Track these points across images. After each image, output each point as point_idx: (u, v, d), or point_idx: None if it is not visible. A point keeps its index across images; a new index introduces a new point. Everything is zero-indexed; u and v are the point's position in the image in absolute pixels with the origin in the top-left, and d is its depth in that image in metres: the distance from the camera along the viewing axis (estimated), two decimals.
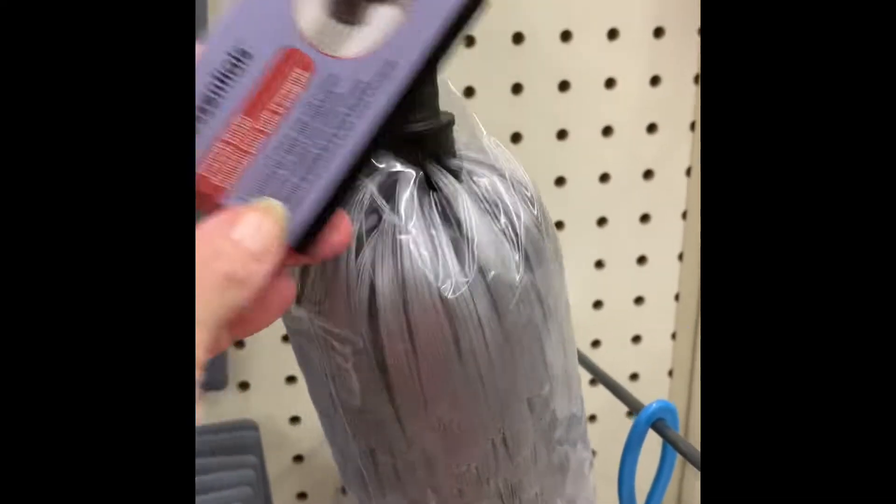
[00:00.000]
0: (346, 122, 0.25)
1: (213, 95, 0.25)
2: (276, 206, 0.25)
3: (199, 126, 0.24)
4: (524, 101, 0.53)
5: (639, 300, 0.61)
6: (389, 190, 0.28)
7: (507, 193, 0.28)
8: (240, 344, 0.54)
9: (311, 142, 0.25)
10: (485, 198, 0.28)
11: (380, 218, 0.28)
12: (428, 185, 0.29)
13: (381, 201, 0.27)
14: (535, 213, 0.29)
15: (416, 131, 0.29)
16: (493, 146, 0.30)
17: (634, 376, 0.64)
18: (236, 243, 0.23)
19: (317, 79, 0.25)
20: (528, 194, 0.29)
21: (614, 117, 0.55)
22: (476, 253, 0.27)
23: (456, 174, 0.29)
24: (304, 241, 0.25)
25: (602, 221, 0.58)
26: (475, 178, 0.29)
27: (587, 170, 0.56)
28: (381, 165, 0.28)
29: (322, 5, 0.26)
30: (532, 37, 0.51)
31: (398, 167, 0.28)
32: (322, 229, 0.25)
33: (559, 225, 0.57)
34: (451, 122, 0.30)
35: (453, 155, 0.31)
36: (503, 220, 0.28)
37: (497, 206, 0.28)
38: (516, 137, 0.54)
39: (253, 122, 0.25)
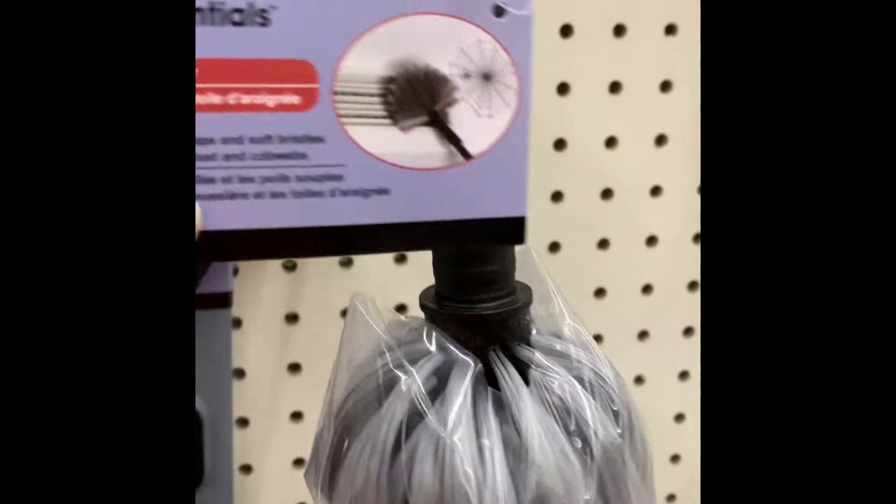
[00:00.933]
0: (283, 185, 0.23)
1: None
2: None
3: None
4: (564, 208, 0.50)
5: (679, 417, 0.57)
6: (441, 379, 0.24)
7: (585, 401, 0.23)
8: (246, 469, 0.50)
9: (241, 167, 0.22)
10: (554, 404, 0.23)
11: (422, 415, 0.23)
12: (487, 379, 0.24)
13: (423, 404, 0.23)
14: (619, 427, 0.23)
15: (481, 314, 0.25)
16: (574, 332, 0.26)
17: (671, 497, 0.59)
18: None
19: (301, 120, 0.23)
20: (613, 400, 0.24)
21: (658, 226, 0.51)
22: (535, 476, 0.22)
23: (523, 368, 0.25)
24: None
25: (643, 335, 0.54)
26: (546, 377, 0.24)
27: (628, 280, 0.53)
28: (432, 348, 0.24)
29: (382, 69, 0.23)
30: (574, 143, 0.48)
31: (454, 353, 0.24)
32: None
33: (597, 338, 0.53)
34: (526, 304, 0.26)
35: (525, 340, 0.26)
36: (575, 434, 0.23)
37: (569, 415, 0.23)
38: (554, 247, 0.50)
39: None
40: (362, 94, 0.23)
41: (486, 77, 0.24)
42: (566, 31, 0.47)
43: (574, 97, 0.49)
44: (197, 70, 0.21)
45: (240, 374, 0.47)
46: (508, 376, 0.24)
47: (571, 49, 0.47)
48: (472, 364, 0.24)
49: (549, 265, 0.28)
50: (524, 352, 0.25)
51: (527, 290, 0.28)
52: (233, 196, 0.22)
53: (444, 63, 0.23)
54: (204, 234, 0.22)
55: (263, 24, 0.22)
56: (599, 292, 0.53)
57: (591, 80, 0.48)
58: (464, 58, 0.24)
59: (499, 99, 0.24)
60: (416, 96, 0.23)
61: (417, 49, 0.23)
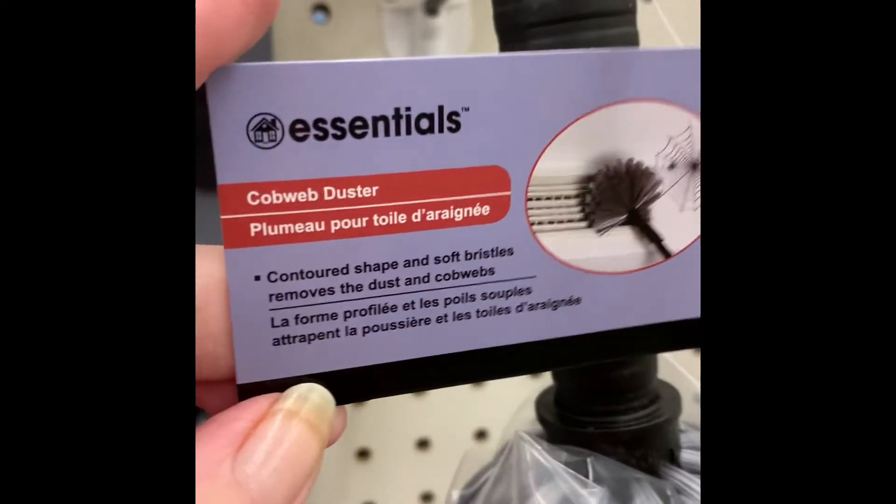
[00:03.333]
0: (468, 306, 0.20)
1: None
2: (317, 399, 0.18)
3: None
4: None
5: None
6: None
7: None
8: None
9: (417, 291, 0.19)
10: None
11: None
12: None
13: None
14: None
15: (640, 427, 0.23)
16: None
17: None
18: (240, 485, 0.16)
19: (492, 231, 0.19)
20: None
21: None
22: None
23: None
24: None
25: None
26: None
27: None
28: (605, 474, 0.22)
29: (581, 168, 0.20)
30: None
31: (628, 475, 0.21)
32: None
33: None
34: (678, 409, 0.24)
35: (680, 447, 0.24)
36: None
37: None
38: None
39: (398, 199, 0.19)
40: (558, 198, 0.20)
41: (695, 167, 0.21)
42: None
43: None
44: (380, 187, 0.18)
45: None
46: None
47: None
48: (662, 483, 0.21)
49: None
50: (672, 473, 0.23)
51: (671, 390, 0.25)
52: (414, 323, 0.19)
53: (649, 154, 0.20)
54: (377, 367, 0.19)
55: (454, 130, 0.18)
56: None
57: None
58: (671, 146, 0.20)
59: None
60: (616, 194, 0.20)
61: (620, 141, 0.20)
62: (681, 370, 0.25)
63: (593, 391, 0.23)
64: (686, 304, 0.22)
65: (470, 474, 0.24)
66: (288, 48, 0.41)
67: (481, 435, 0.50)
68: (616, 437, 0.23)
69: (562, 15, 0.21)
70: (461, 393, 0.42)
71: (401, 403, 0.45)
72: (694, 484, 0.22)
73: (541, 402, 0.25)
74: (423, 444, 0.47)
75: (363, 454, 0.46)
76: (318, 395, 0.19)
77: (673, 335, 0.22)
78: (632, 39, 0.22)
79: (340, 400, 0.19)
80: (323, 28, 0.42)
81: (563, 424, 0.24)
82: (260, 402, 0.18)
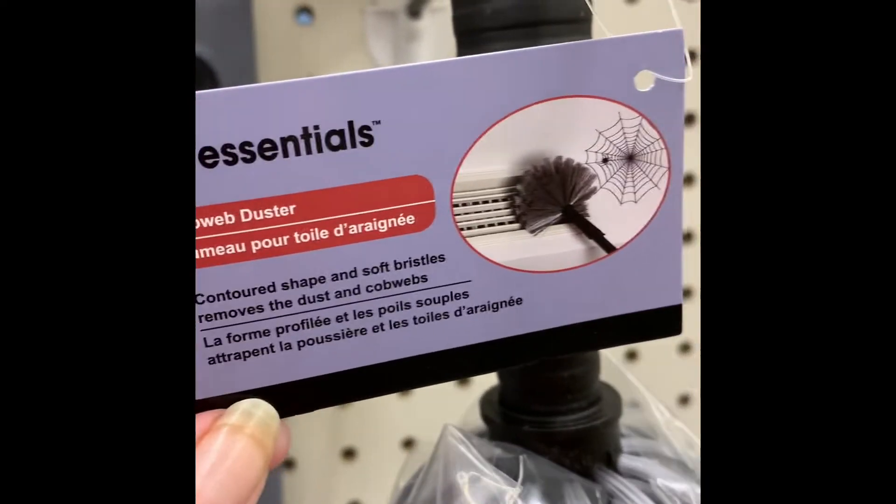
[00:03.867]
0: (404, 313, 0.20)
1: None
2: (261, 414, 0.19)
3: None
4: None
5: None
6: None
7: None
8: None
9: (351, 302, 0.20)
10: None
11: None
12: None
13: None
14: None
15: (576, 429, 0.23)
16: (672, 435, 0.23)
17: None
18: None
19: (419, 240, 0.20)
20: None
21: None
22: None
23: (641, 483, 0.22)
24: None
25: None
26: (671, 489, 0.21)
27: None
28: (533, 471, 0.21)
29: (508, 171, 0.21)
30: None
31: (560, 476, 0.21)
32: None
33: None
34: (618, 412, 0.23)
35: (620, 451, 0.24)
36: None
37: None
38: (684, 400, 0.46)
39: (320, 215, 0.19)
40: (485, 202, 0.19)
41: (630, 158, 0.20)
42: None
43: None
44: (297, 205, 0.18)
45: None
46: (633, 495, 0.21)
47: None
48: (592, 486, 0.21)
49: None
50: (629, 462, 0.22)
51: (609, 388, 0.25)
52: (349, 334, 0.20)
53: (578, 150, 0.20)
54: (317, 379, 0.20)
55: (367, 144, 0.18)
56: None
57: None
58: (602, 141, 0.20)
59: (645, 181, 0.20)
60: (547, 193, 0.20)
61: (545, 141, 0.19)
62: (626, 374, 0.25)
63: (533, 391, 0.23)
64: (634, 296, 0.21)
65: (418, 464, 0.25)
66: (271, 50, 0.42)
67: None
68: (551, 437, 0.23)
69: (514, 21, 0.21)
70: (446, 392, 0.42)
71: (386, 403, 0.46)
72: (629, 490, 0.22)
73: (486, 401, 0.25)
74: (408, 443, 0.48)
75: (349, 454, 0.47)
76: (262, 411, 0.19)
77: (622, 329, 0.21)
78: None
79: (283, 413, 0.20)
80: (307, 29, 0.42)
81: (503, 422, 0.24)
82: (204, 418, 0.19)
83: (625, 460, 0.23)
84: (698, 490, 0.22)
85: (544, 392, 0.23)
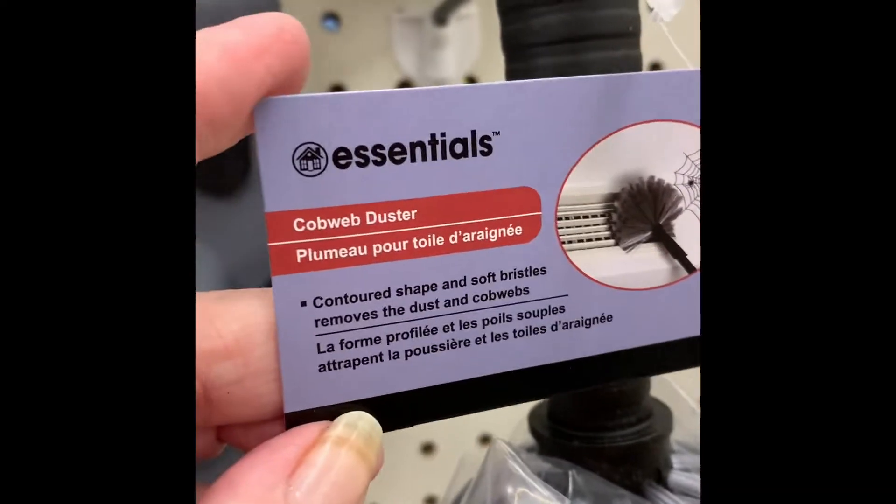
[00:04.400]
0: (505, 326, 0.20)
1: None
2: (365, 427, 0.18)
3: None
4: None
5: None
6: None
7: None
8: None
9: (455, 313, 0.20)
10: None
11: None
12: None
13: None
14: None
15: (626, 444, 0.23)
16: None
17: None
18: None
19: (525, 251, 0.20)
20: None
21: None
22: None
23: (691, 500, 0.22)
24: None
25: None
26: None
27: None
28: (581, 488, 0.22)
29: (607, 188, 0.21)
30: None
31: (610, 491, 0.22)
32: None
33: None
34: (669, 428, 0.24)
35: (670, 467, 0.24)
36: None
37: None
38: None
39: (432, 222, 0.19)
40: (586, 216, 0.20)
41: None
42: None
43: None
44: (418, 210, 0.19)
45: None
46: None
47: None
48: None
49: None
50: (680, 478, 0.23)
51: (661, 405, 0.25)
52: (454, 345, 0.20)
53: (668, 172, 0.21)
54: (420, 391, 0.20)
55: (486, 154, 0.19)
56: None
57: None
58: (689, 164, 0.21)
59: None
60: (640, 211, 0.21)
61: (640, 160, 0.21)
62: (677, 389, 0.26)
63: (583, 406, 0.23)
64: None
65: (466, 478, 0.24)
66: None
67: (486, 440, 0.49)
68: (601, 452, 0.23)
69: (563, 36, 0.22)
70: None
71: None
72: None
73: (534, 415, 0.25)
74: (427, 448, 0.47)
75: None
76: (366, 423, 0.19)
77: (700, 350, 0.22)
78: (634, 62, 0.23)
79: (386, 426, 0.19)
80: (333, 36, 0.42)
81: (553, 437, 0.24)
82: (310, 429, 0.18)
83: (675, 476, 0.24)
84: None
85: (594, 407, 0.23)
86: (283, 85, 0.17)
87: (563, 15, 0.22)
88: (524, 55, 0.23)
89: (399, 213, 0.19)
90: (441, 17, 0.42)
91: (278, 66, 0.17)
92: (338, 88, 0.45)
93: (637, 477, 0.23)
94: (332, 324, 0.19)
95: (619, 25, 0.22)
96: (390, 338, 0.19)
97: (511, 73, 0.24)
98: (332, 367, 0.19)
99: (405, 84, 0.46)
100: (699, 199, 0.22)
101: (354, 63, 0.43)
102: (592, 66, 0.22)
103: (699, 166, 0.21)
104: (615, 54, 0.22)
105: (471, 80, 0.48)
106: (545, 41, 0.22)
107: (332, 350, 0.19)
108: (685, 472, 0.24)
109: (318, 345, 0.19)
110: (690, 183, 0.21)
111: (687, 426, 0.25)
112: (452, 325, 0.20)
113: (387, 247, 0.19)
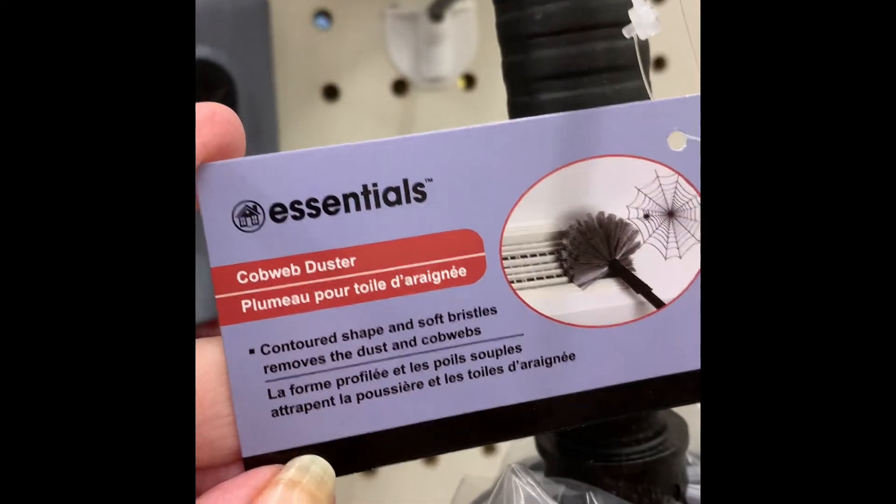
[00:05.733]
0: (459, 368, 0.21)
1: None
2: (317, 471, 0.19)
3: None
4: None
5: None
6: None
7: None
8: None
9: (407, 354, 0.20)
10: None
11: None
12: None
13: None
14: None
15: (644, 461, 0.22)
16: None
17: None
18: None
19: (471, 293, 0.21)
20: None
21: None
22: None
23: None
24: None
25: None
26: None
27: None
28: None
29: (553, 226, 0.21)
30: None
31: None
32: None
33: None
34: (685, 442, 0.23)
35: (687, 482, 0.23)
36: None
37: None
38: None
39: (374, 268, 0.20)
40: (533, 255, 0.21)
41: (670, 214, 0.21)
42: None
43: None
44: (357, 257, 0.20)
45: None
46: None
47: None
48: None
49: None
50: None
51: (679, 421, 0.24)
52: (406, 387, 0.20)
53: (620, 206, 0.21)
54: (373, 435, 0.20)
55: (420, 199, 0.20)
56: None
57: None
58: (641, 197, 0.21)
59: (687, 236, 0.21)
60: (593, 248, 0.21)
61: (588, 197, 0.21)
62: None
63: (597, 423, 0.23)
64: (684, 355, 0.21)
65: (467, 499, 0.24)
66: (289, 55, 0.40)
67: (489, 450, 0.48)
68: (618, 470, 0.22)
69: (565, 25, 0.21)
70: None
71: None
72: None
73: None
74: (430, 459, 0.46)
75: (370, 469, 0.45)
76: (318, 467, 0.19)
77: (677, 388, 0.21)
78: (643, 51, 0.22)
79: (343, 470, 0.20)
80: (325, 34, 0.41)
81: (563, 456, 0.23)
82: (263, 472, 0.19)
83: (692, 490, 0.22)
84: None
85: (609, 424, 0.22)
86: (220, 155, 0.19)
87: (566, 3, 0.21)
88: (522, 47, 0.22)
89: (338, 260, 0.20)
90: (436, 13, 0.40)
91: (213, 142, 0.19)
92: (330, 89, 0.44)
93: (656, 495, 0.22)
94: (280, 370, 0.20)
95: (623, 15, 0.20)
96: (340, 382, 0.20)
97: (508, 67, 0.23)
98: (284, 411, 0.20)
99: (400, 83, 0.45)
100: (661, 231, 0.21)
101: (347, 62, 0.42)
102: (595, 56, 0.21)
103: (655, 199, 0.21)
104: (620, 44, 0.21)
105: (469, 78, 0.46)
106: (544, 31, 0.21)
107: (284, 395, 0.20)
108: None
109: (269, 390, 0.20)
110: (646, 216, 0.21)
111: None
112: (403, 367, 0.20)
113: (328, 294, 0.20)
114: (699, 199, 0.21)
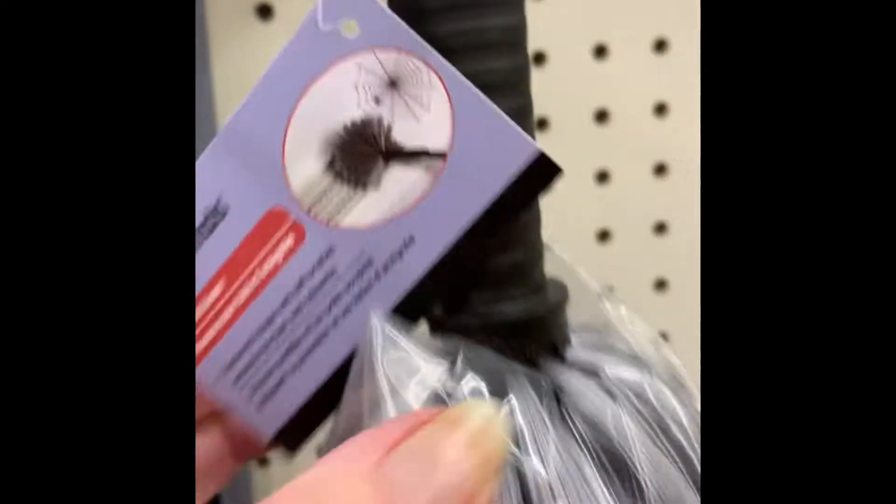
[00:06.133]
0: (339, 305, 0.23)
1: None
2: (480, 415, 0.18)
3: None
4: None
5: None
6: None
7: (677, 401, 0.19)
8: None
9: (299, 324, 0.24)
10: (643, 410, 0.19)
11: None
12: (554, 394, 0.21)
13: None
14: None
15: (518, 317, 0.23)
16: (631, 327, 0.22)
17: None
18: None
19: (307, 250, 0.23)
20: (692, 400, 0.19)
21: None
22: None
23: (590, 375, 0.21)
24: (291, 437, 0.24)
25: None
26: (622, 380, 0.20)
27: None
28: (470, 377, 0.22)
29: (321, 161, 0.23)
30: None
31: (503, 367, 0.21)
32: (313, 427, 0.24)
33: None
34: (564, 299, 0.23)
35: (569, 343, 0.23)
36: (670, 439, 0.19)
37: (662, 419, 0.19)
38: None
39: (227, 292, 0.24)
40: (323, 190, 0.24)
41: (393, 85, 0.22)
42: None
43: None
44: (222, 280, 0.25)
45: None
46: (581, 384, 0.21)
47: None
48: (539, 379, 0.21)
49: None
50: (580, 354, 0.22)
51: (557, 283, 0.24)
52: (295, 369, 0.25)
53: (353, 109, 0.23)
54: (288, 424, 0.25)
55: (224, 215, 0.24)
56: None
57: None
58: (361, 91, 0.23)
59: (420, 91, 0.22)
60: (358, 154, 0.23)
61: (324, 122, 0.23)
62: (579, 272, 0.24)
63: (472, 281, 0.23)
64: (496, 171, 0.23)
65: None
66: (226, 49, 0.40)
67: None
68: (492, 327, 0.23)
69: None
70: None
71: None
72: (577, 381, 0.21)
73: None
74: None
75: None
76: (483, 412, 0.18)
77: (510, 199, 0.23)
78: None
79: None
80: (264, 27, 0.40)
81: (442, 314, 0.24)
82: (418, 415, 0.19)
83: (573, 353, 0.23)
84: (653, 381, 0.21)
85: (483, 282, 0.23)
86: None
87: None
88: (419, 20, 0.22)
89: (214, 288, 0.25)
90: None
91: None
92: (264, 8, 0.44)
93: (531, 352, 0.23)
94: (242, 377, 0.26)
95: None
96: (274, 368, 0.25)
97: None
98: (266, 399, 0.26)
99: None
100: (397, 101, 0.23)
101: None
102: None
103: (371, 83, 0.22)
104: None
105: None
106: (442, 6, 0.22)
107: (257, 389, 0.26)
108: (587, 349, 0.23)
109: (244, 392, 0.26)
110: (377, 100, 0.23)
111: (591, 310, 0.24)
112: (309, 327, 0.25)
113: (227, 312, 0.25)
114: (400, 52, 0.22)
